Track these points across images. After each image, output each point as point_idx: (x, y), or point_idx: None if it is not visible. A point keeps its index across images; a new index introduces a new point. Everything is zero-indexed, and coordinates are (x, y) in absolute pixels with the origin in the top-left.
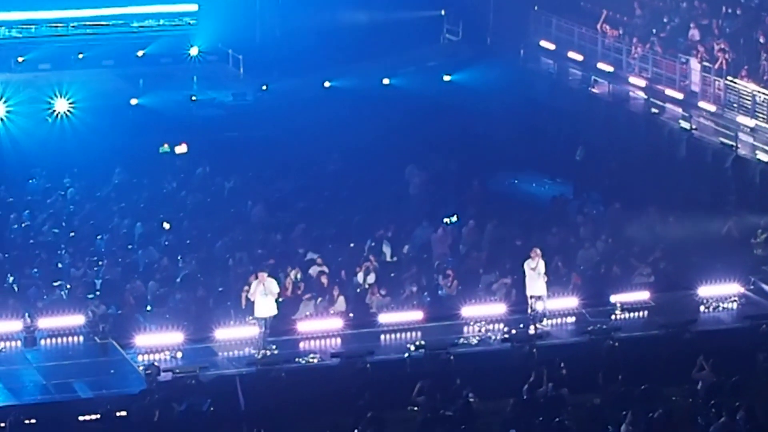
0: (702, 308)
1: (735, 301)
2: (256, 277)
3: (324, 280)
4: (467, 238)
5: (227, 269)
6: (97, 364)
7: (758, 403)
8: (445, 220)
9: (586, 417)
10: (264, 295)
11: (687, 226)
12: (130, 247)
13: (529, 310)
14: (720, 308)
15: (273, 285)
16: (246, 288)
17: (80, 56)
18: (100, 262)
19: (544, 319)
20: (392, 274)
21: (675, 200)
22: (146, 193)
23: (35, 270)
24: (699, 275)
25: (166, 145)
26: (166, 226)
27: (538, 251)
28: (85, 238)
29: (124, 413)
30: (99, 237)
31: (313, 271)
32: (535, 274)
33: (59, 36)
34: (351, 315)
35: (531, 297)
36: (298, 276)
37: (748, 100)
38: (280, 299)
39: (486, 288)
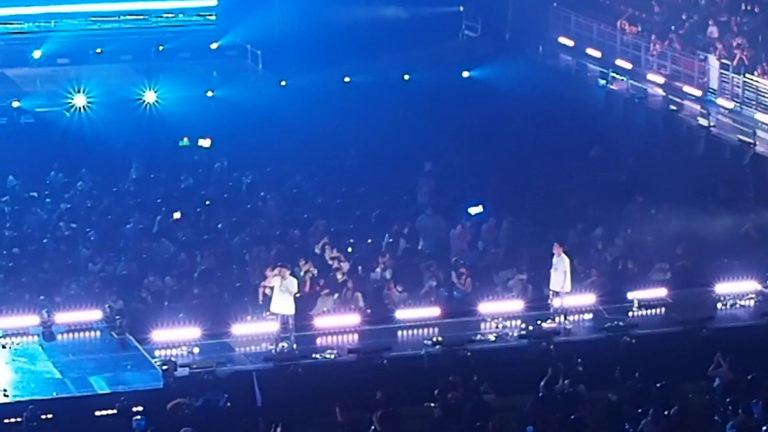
0: (719, 305)
1: (752, 298)
2: (279, 272)
3: (339, 276)
4: (486, 235)
5: (244, 264)
6: (114, 359)
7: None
8: (470, 210)
9: (602, 413)
10: (281, 291)
11: (704, 223)
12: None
13: (549, 305)
14: (737, 305)
15: (292, 284)
16: (264, 284)
17: (98, 51)
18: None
19: (560, 317)
20: (409, 270)
21: (693, 197)
22: (162, 188)
23: (52, 265)
24: (716, 272)
25: (186, 139)
26: (177, 215)
27: (560, 247)
28: (102, 232)
29: (140, 408)
30: (117, 231)
31: (335, 265)
32: (552, 269)
33: (78, 31)
34: (368, 311)
35: (551, 292)
36: (313, 271)
37: (766, 97)
38: (298, 295)
39: (503, 284)
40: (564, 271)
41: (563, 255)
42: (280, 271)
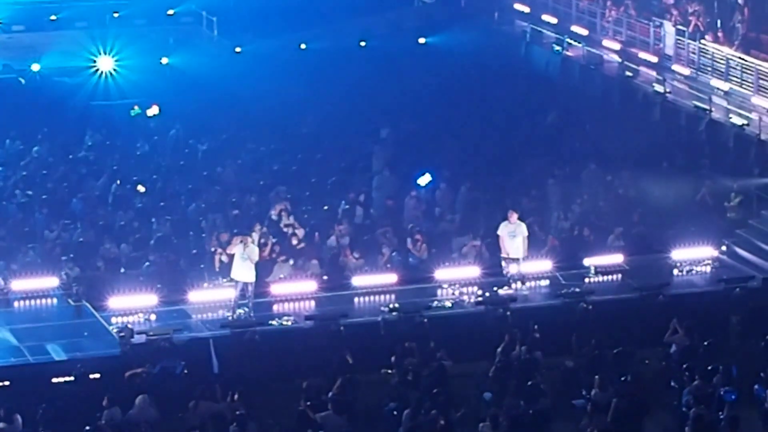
0: (675, 271)
1: (708, 264)
2: (241, 239)
3: (294, 241)
4: (441, 201)
5: (200, 231)
6: (70, 327)
7: (731, 366)
8: (419, 181)
9: (559, 380)
10: (243, 259)
11: (660, 190)
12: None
13: (504, 272)
14: (694, 272)
15: (254, 252)
16: (220, 251)
17: (53, 18)
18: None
19: (520, 283)
20: (365, 237)
21: (649, 164)
22: (118, 154)
23: (9, 232)
24: (673, 239)
25: (136, 107)
26: (141, 189)
27: (515, 213)
28: (59, 199)
29: (97, 375)
30: (74, 199)
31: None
32: (509, 236)
33: None
34: (325, 278)
35: (505, 259)
36: (268, 236)
37: (722, 64)
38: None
39: (459, 251)
40: (524, 237)
41: (519, 221)
42: (243, 238)
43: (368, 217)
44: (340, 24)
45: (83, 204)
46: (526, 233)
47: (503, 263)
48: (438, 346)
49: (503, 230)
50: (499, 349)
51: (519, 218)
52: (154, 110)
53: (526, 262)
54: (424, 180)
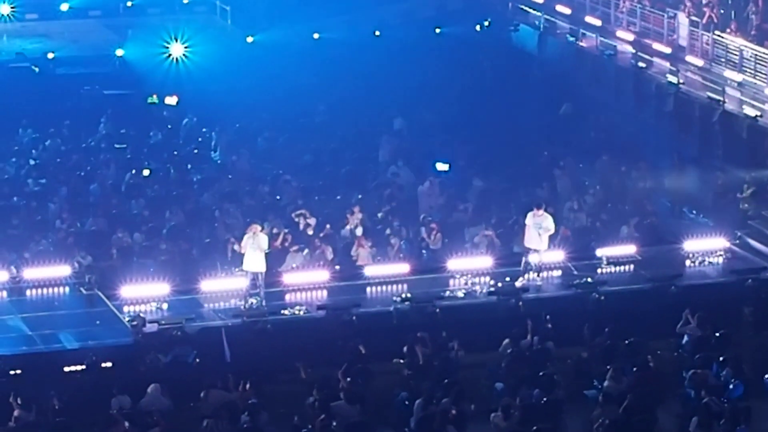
0: (688, 262)
1: (721, 255)
2: (250, 228)
3: (310, 231)
4: (455, 191)
5: (214, 220)
6: (83, 315)
7: (744, 356)
8: (438, 165)
9: (572, 370)
10: (253, 248)
11: (673, 181)
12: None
13: (523, 262)
14: (706, 262)
15: (263, 240)
16: (233, 240)
17: (65, 7)
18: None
19: (536, 273)
20: (378, 227)
21: (662, 155)
22: (132, 144)
23: (22, 221)
24: (685, 229)
25: (155, 96)
26: (146, 172)
27: (543, 205)
28: (72, 188)
29: (109, 364)
30: (88, 187)
31: (301, 222)
32: (534, 228)
33: None
34: (337, 267)
35: (528, 250)
36: (280, 226)
37: (736, 55)
38: (268, 251)
39: (471, 241)
40: (547, 229)
41: (546, 214)
42: (252, 228)
43: (381, 207)
44: (354, 14)
45: (97, 193)
46: (552, 226)
47: (525, 252)
48: (450, 336)
49: (530, 220)
50: (504, 342)
51: (545, 211)
52: (172, 100)
53: (544, 254)
54: (442, 166)
